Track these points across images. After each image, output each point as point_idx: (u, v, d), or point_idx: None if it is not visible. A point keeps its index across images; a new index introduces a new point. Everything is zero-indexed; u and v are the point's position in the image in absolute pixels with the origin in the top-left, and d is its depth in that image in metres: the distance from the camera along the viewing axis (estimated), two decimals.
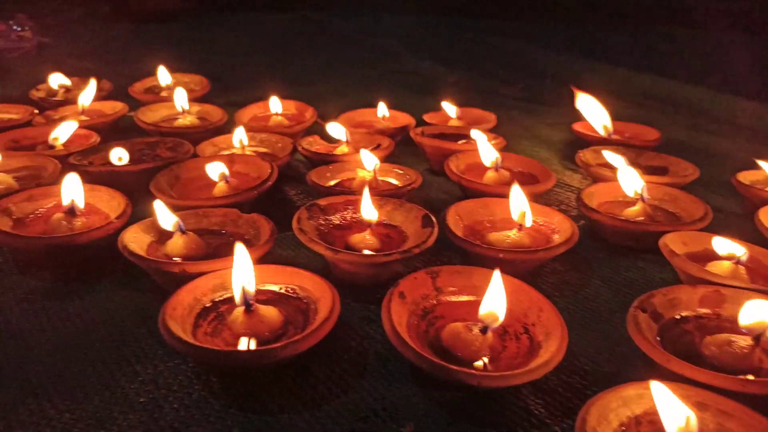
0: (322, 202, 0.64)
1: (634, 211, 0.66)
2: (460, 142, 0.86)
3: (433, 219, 0.60)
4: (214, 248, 0.58)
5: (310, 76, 1.39)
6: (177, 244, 0.56)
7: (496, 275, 0.47)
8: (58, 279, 0.58)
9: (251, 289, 0.47)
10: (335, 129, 0.84)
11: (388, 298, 0.47)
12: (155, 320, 0.47)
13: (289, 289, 0.52)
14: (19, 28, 1.59)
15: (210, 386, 0.45)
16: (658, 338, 0.47)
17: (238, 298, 0.47)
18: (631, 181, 0.68)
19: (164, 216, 0.57)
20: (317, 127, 0.96)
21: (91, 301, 0.55)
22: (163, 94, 1.08)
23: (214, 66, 1.37)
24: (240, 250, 0.48)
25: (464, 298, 0.51)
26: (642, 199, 0.67)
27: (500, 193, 0.68)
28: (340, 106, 1.02)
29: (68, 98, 1.04)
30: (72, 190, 0.62)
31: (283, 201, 0.77)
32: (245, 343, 0.46)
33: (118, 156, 0.76)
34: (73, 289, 0.57)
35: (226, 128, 0.89)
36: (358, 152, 0.81)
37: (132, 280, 0.58)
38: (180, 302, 0.47)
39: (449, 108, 1.00)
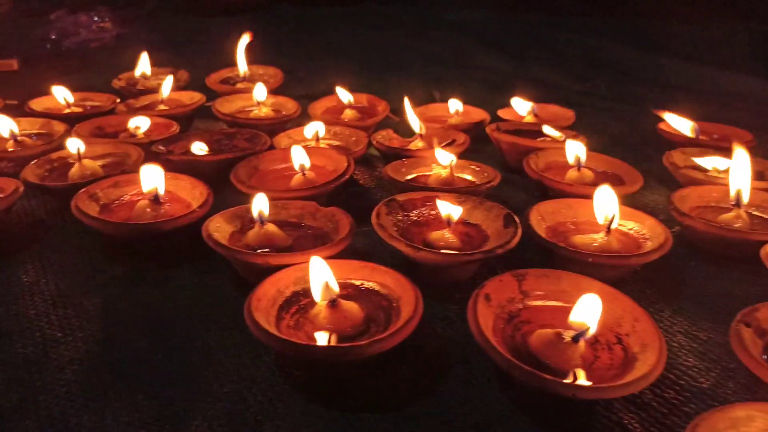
0: (401, 197, 0.63)
1: (729, 217, 0.62)
2: (539, 139, 0.84)
3: (516, 219, 0.58)
4: (294, 240, 0.58)
5: (382, 70, 1.38)
6: (258, 235, 0.56)
7: (589, 281, 0.45)
8: (141, 265, 0.60)
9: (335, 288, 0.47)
10: (414, 120, 0.83)
11: (473, 299, 0.46)
12: (235, 309, 0.47)
13: (370, 285, 0.51)
14: (99, 20, 1.65)
15: (293, 380, 0.45)
16: (765, 356, 0.44)
17: (319, 295, 0.46)
18: (737, 182, 0.64)
19: (260, 206, 0.58)
20: (390, 121, 0.95)
21: (174, 288, 0.56)
22: (239, 85, 1.09)
23: (286, 59, 1.38)
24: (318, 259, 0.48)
25: (551, 303, 0.49)
26: (738, 204, 0.63)
27: (583, 193, 0.66)
28: (411, 100, 1.00)
29: (148, 87, 1.06)
30: (154, 179, 0.63)
31: (356, 195, 0.77)
32: (327, 338, 0.46)
33: (200, 147, 0.78)
34: (155, 276, 0.58)
35: (300, 120, 0.90)
36: (434, 147, 0.79)
37: (211, 269, 0.59)
38: (264, 294, 0.47)
39: (520, 105, 0.97)
